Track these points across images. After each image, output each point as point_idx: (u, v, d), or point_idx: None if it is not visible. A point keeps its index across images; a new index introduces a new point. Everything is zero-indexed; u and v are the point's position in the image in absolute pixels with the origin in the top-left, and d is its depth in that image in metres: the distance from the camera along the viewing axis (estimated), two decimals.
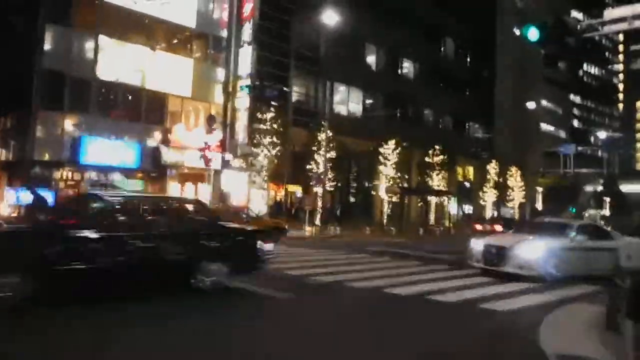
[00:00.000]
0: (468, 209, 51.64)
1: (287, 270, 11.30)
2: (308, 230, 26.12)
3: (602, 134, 57.62)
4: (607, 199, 49.65)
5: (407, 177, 40.47)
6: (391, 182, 37.06)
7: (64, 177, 22.95)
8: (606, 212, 48.80)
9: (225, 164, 22.15)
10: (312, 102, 37.18)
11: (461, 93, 51.74)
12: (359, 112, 41.38)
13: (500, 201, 51.49)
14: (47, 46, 21.80)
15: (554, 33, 9.81)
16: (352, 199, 40.71)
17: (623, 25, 10.01)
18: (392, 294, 9.15)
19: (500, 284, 10.55)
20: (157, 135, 25.24)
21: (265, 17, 28.98)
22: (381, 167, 35.72)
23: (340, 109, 39.91)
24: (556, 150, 49.42)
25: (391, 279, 10.83)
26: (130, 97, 24.49)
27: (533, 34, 9.96)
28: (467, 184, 52.16)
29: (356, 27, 39.19)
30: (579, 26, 11.15)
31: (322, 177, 27.46)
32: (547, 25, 10.40)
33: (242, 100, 27.11)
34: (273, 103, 27.68)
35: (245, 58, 27.80)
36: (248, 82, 25.01)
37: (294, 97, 35.76)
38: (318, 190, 33.91)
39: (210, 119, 22.41)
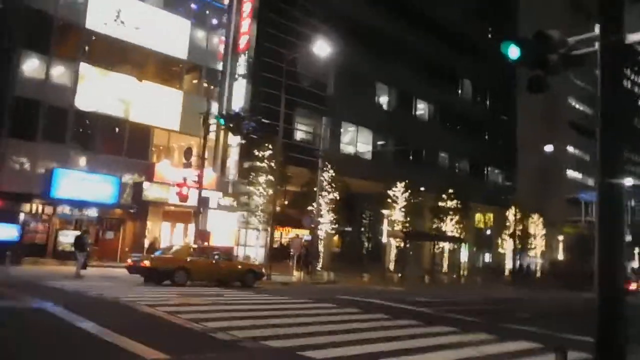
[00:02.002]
0: (488, 257, 48.59)
1: (206, 322, 9.36)
2: (296, 275, 24.05)
3: (628, 181, 54.08)
4: (637, 250, 45.94)
5: (416, 222, 38.11)
6: (398, 226, 34.84)
7: (34, 211, 21.67)
8: (635, 263, 45.03)
9: (204, 201, 20.54)
10: (317, 141, 35.85)
11: (479, 136, 49.67)
12: (368, 153, 39.72)
13: (521, 250, 48.23)
14: (22, 73, 21.01)
15: (535, 50, 7.74)
16: (358, 244, 38.51)
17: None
18: (305, 358, 7.12)
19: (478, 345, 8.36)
20: (140, 170, 23.92)
21: (263, 50, 28.01)
22: (386, 210, 33.50)
23: (349, 149, 38.40)
24: (577, 196, 46.28)
25: (330, 336, 8.77)
26: (111, 129, 23.42)
27: (513, 52, 8.18)
28: (488, 231, 49.25)
29: (367, 66, 38.16)
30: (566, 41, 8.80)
31: (312, 217, 25.49)
32: (528, 41, 8.29)
33: (232, 137, 25.70)
34: (266, 141, 26.21)
35: (240, 91, 26.69)
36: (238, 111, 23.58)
37: (298, 135, 34.52)
38: (319, 233, 32.10)
39: (187, 152, 21.02)
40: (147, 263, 16.68)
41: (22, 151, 21.14)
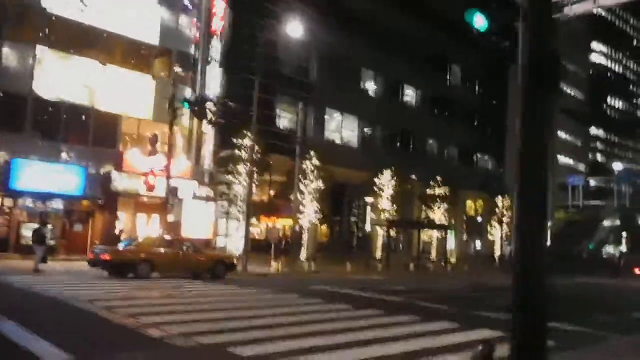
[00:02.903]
0: (478, 244, 47.84)
1: (144, 317, 8.42)
2: (274, 265, 23.14)
3: (618, 166, 53.26)
4: (625, 234, 45.20)
5: (405, 210, 37.27)
6: (385, 215, 34.00)
7: None
8: (623, 247, 44.36)
9: (173, 190, 19.53)
10: (300, 128, 34.85)
11: (469, 123, 48.69)
12: (355, 141, 38.73)
13: (511, 237, 47.51)
14: None
15: (503, 18, 6.55)
16: (347, 233, 37.68)
17: (588, 5, 6.84)
18: (232, 354, 6.22)
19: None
20: (108, 159, 22.84)
21: (239, 34, 26.87)
22: (369, 198, 32.60)
23: (334, 137, 37.40)
24: (564, 182, 45.46)
25: (274, 330, 7.87)
26: (76, 117, 22.28)
27: (479, 21, 7.23)
28: (479, 219, 48.51)
29: (352, 51, 37.04)
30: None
31: (292, 207, 24.56)
32: (495, 8, 7.12)
33: (207, 124, 24.62)
34: (243, 128, 25.16)
35: (214, 77, 25.61)
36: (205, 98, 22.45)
37: (281, 123, 33.51)
38: (303, 223, 31.21)
39: (152, 140, 19.97)
40: (107, 256, 15.70)
41: None
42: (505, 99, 53.84)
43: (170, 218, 21.05)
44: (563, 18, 6.69)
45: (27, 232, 20.54)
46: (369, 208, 31.57)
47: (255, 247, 26.49)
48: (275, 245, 23.94)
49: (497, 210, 46.12)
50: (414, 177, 38.67)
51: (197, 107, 17.65)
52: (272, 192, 32.78)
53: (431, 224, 36.85)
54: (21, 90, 20.74)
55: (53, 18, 21.32)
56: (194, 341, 6.91)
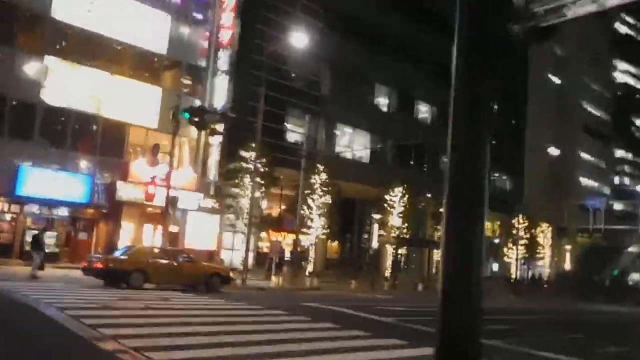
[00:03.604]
0: (495, 266, 46.76)
1: (108, 329, 8.18)
2: (274, 280, 22.81)
3: None
4: None
5: (417, 228, 36.57)
6: (394, 232, 33.43)
7: None
8: None
9: (173, 201, 19.46)
10: (311, 142, 34.71)
11: None
12: (366, 157, 38.39)
13: (529, 259, 46.27)
14: None
15: (495, 20, 5.80)
16: (357, 250, 37.15)
17: (591, 7, 6.15)
18: None
19: None
20: (114, 168, 22.96)
21: (248, 46, 26.95)
22: (377, 215, 32.08)
23: (345, 152, 37.12)
24: (584, 203, 44.12)
25: (234, 348, 7.52)
26: (83, 126, 22.52)
27: None
28: (496, 240, 47.49)
29: (364, 66, 36.91)
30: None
31: (295, 221, 24.27)
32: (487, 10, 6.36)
33: (216, 137, 24.64)
34: (250, 141, 25.07)
35: (221, 88, 25.66)
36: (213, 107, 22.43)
37: (292, 137, 33.44)
38: (310, 239, 30.88)
39: (154, 149, 19.98)
40: (99, 264, 15.62)
41: None
42: (524, 116, 53.01)
43: (170, 229, 20.94)
44: (563, 18, 6.11)
45: (31, 238, 20.68)
46: (375, 225, 31.00)
47: (263, 261, 26.24)
48: (279, 260, 23.65)
49: (513, 231, 45.09)
50: (429, 195, 38.13)
51: (198, 118, 17.58)
52: (283, 207, 32.61)
53: (439, 243, 36.00)
54: (31, 99, 21.05)
55: (63, 28, 21.64)
56: (145, 356, 6.62)
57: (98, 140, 22.88)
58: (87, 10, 21.89)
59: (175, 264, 16.92)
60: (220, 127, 24.26)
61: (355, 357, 7.67)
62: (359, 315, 13.27)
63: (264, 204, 30.65)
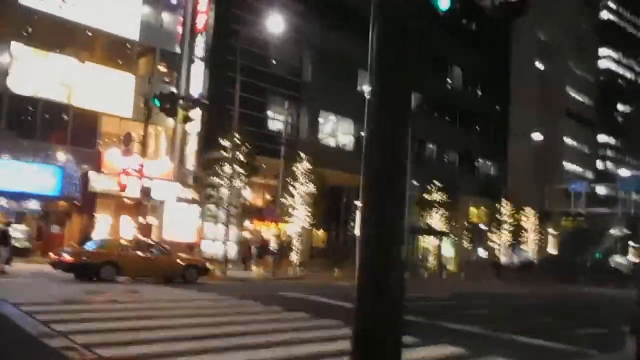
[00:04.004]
0: (482, 252, 46.70)
1: (62, 324, 7.65)
2: (255, 270, 22.35)
3: (624, 172, 51.61)
4: (632, 244, 43.78)
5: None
6: None
7: None
8: (631, 257, 42.95)
9: (146, 191, 18.82)
10: (294, 131, 34.18)
11: (470, 126, 47.67)
12: (350, 144, 37.92)
13: (516, 244, 46.31)
14: None
15: None
16: (344, 239, 36.77)
17: None
18: None
19: None
20: (86, 159, 22.20)
21: (224, 31, 26.17)
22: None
23: (329, 140, 36.66)
24: (567, 188, 44.21)
25: (190, 342, 7.04)
26: (53, 115, 21.71)
27: (443, 1, 6.43)
28: (482, 225, 47.40)
29: (347, 52, 36.32)
30: None
31: (276, 210, 23.78)
32: None
33: (191, 124, 23.92)
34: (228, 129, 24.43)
35: (198, 75, 24.95)
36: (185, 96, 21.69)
37: (274, 125, 32.84)
38: (294, 228, 30.46)
39: (126, 138, 19.28)
40: (67, 257, 15.00)
41: None
42: (508, 102, 52.83)
43: (148, 220, 20.33)
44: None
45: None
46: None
47: (247, 252, 25.65)
48: (261, 250, 23.18)
49: (498, 216, 45.05)
50: (414, 182, 37.80)
51: (169, 104, 16.94)
52: (267, 196, 32.08)
53: (425, 230, 35.81)
54: None
55: (29, 13, 20.77)
56: (95, 353, 6.12)
57: (69, 130, 22.11)
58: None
59: (149, 256, 16.36)
60: (195, 114, 23.65)
61: (322, 347, 7.23)
62: (342, 305, 12.84)
63: (246, 193, 30.11)
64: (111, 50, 23.33)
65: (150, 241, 18.13)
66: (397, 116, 2.71)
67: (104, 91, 22.79)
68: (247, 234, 28.90)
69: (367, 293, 2.60)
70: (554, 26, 63.75)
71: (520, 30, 56.14)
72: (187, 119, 18.12)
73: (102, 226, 23.16)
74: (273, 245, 27.61)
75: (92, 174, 22.20)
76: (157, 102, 16.85)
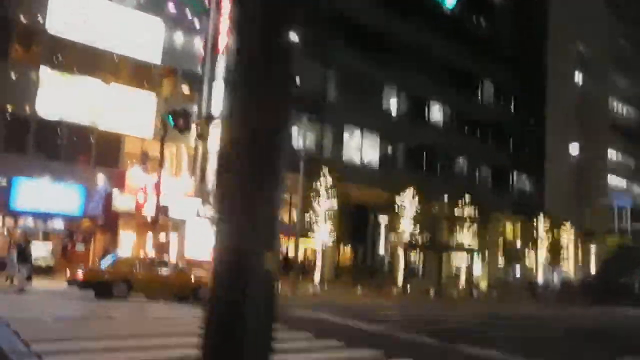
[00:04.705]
0: (517, 271, 45.02)
1: (42, 343, 7.63)
2: None
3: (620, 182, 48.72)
4: None
5: (431, 232, 35.41)
6: (405, 237, 32.46)
7: None
8: None
9: (163, 210, 19.01)
10: (318, 147, 34.14)
11: (503, 141, 46.48)
12: (376, 160, 37.55)
13: (554, 264, 44.47)
14: None
15: None
16: (370, 256, 36.21)
17: None
18: None
19: None
20: (110, 179, 22.71)
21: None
22: (384, 217, 31.13)
23: (353, 156, 36.39)
24: (610, 203, 42.08)
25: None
26: (78, 137, 22.36)
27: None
28: (518, 243, 45.84)
29: (372, 68, 36.20)
30: None
31: (291, 226, 23.60)
32: None
33: (214, 142, 24.21)
34: None
35: (219, 95, 25.26)
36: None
37: (295, 143, 32.96)
38: (316, 245, 30.25)
39: (143, 157, 19.59)
40: (81, 276, 15.22)
41: None
42: (543, 115, 51.27)
43: (160, 238, 20.52)
44: None
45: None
46: (383, 229, 30.06)
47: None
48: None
49: (535, 233, 43.50)
50: (446, 198, 37.03)
51: (182, 122, 17.13)
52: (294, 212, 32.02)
53: (453, 247, 34.84)
54: (24, 111, 21.00)
55: (57, 41, 21.61)
56: None
57: (93, 152, 22.72)
58: (80, 21, 21.77)
59: (162, 274, 16.44)
60: (218, 131, 23.89)
61: None
62: (353, 325, 12.43)
63: None
64: (135, 72, 23.96)
65: (164, 259, 18.23)
66: (272, 118, 2.48)
67: (127, 113, 23.36)
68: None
69: (217, 311, 2.36)
70: (595, 37, 61.79)
71: (558, 43, 54.64)
72: (202, 136, 18.24)
73: (126, 244, 23.56)
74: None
75: (115, 193, 22.67)
76: (170, 119, 17.06)
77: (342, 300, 21.23)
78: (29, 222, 21.17)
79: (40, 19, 21.21)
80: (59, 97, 21.70)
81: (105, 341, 8.06)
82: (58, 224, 21.82)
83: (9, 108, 20.67)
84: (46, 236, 21.70)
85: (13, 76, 20.81)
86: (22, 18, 21.18)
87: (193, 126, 17.84)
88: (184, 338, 8.62)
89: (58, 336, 8.29)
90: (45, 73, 21.46)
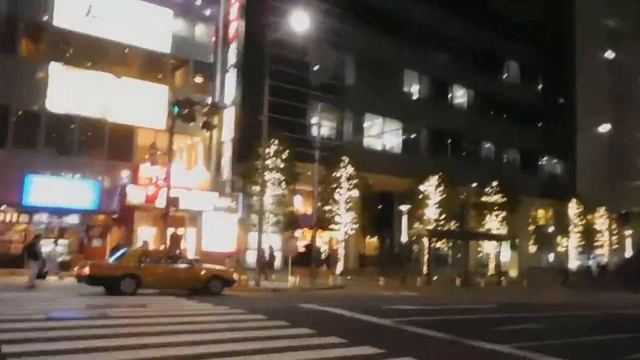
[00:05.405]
0: (551, 256, 43.41)
1: (27, 344, 7.12)
2: (291, 280, 21.53)
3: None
4: None
5: (457, 219, 34.21)
6: (431, 225, 31.45)
7: (7, 220, 20.58)
8: None
9: (174, 201, 18.51)
10: (338, 136, 33.33)
11: (531, 123, 44.75)
12: (398, 147, 36.53)
13: (588, 248, 42.72)
14: None
15: None
16: (396, 246, 35.33)
17: None
18: None
19: None
20: (123, 173, 22.41)
21: (256, 38, 25.77)
22: (406, 207, 30.12)
23: (374, 143, 35.47)
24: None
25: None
26: (90, 131, 22.09)
27: None
28: (550, 229, 44.13)
29: (391, 52, 35.14)
30: None
31: (310, 217, 22.91)
32: None
33: (225, 134, 23.73)
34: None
35: (231, 83, 24.67)
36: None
37: (314, 131, 32.21)
38: (339, 235, 29.59)
39: (152, 148, 19.13)
40: (85, 271, 14.81)
41: None
42: (573, 95, 49.19)
43: (172, 230, 20.09)
44: None
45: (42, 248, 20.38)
46: (404, 218, 29.14)
47: (296, 261, 24.78)
48: (292, 259, 22.40)
49: (567, 218, 41.83)
50: (473, 184, 35.78)
51: (186, 111, 16.57)
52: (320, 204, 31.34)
53: (482, 235, 33.62)
54: (35, 107, 20.80)
55: (65, 35, 21.32)
56: None
57: (106, 145, 22.43)
58: (87, 14, 21.42)
59: (171, 267, 15.94)
60: (228, 120, 23.35)
61: None
62: (354, 317, 11.72)
63: (294, 201, 29.52)
64: (145, 64, 23.58)
65: (176, 252, 17.77)
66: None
67: (139, 105, 23.00)
68: (303, 242, 28.23)
69: None
70: (625, 12, 58.95)
71: (586, 19, 52.24)
72: (208, 125, 17.68)
73: (142, 238, 23.27)
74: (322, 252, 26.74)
75: (129, 187, 22.36)
76: (175, 109, 16.52)
77: (363, 292, 20.49)
78: (44, 218, 21.01)
79: (48, 13, 20.92)
80: (69, 91, 21.43)
81: (102, 340, 7.52)
82: (73, 220, 21.62)
83: (20, 104, 20.44)
84: (62, 232, 21.52)
85: (23, 72, 20.59)
86: (30, 13, 20.93)
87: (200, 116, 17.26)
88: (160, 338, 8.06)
89: (37, 336, 7.75)
90: (56, 68, 21.19)
